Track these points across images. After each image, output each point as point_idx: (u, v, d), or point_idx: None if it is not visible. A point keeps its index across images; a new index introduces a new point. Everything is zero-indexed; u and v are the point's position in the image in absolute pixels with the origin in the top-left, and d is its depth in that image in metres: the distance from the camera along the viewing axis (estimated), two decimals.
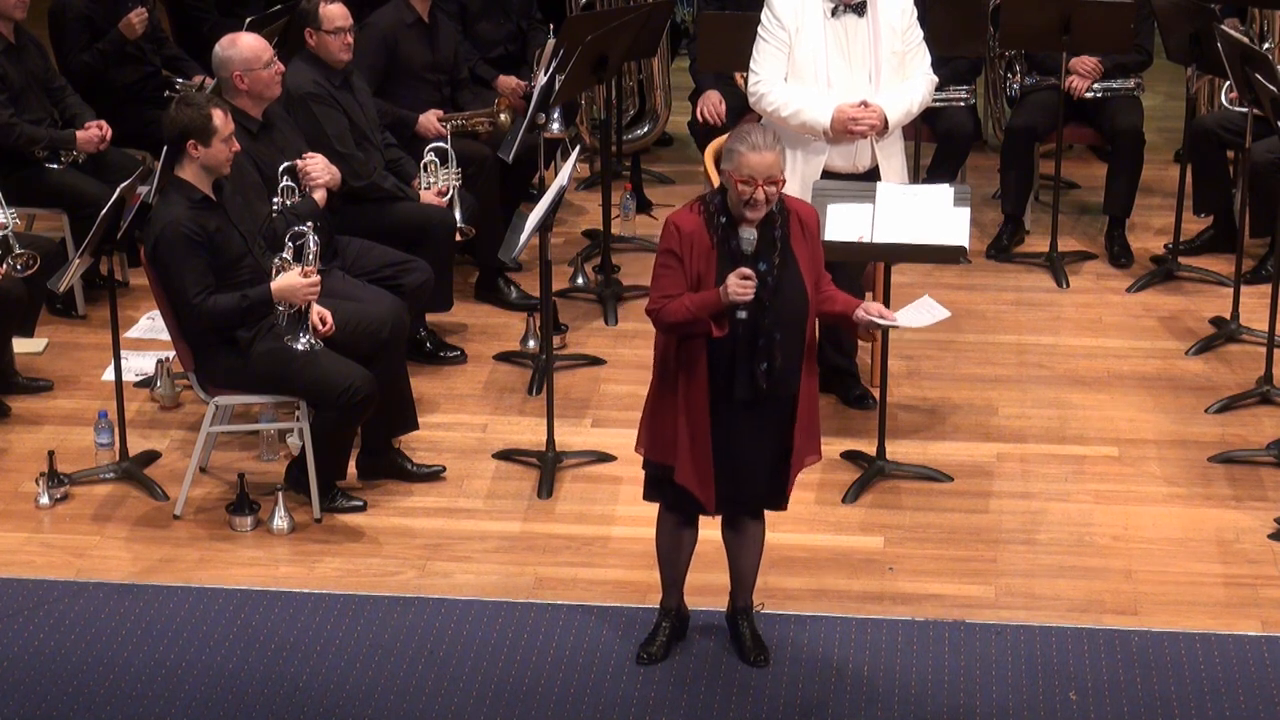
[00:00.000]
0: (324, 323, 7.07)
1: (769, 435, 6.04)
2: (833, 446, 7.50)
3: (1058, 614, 6.60)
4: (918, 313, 6.49)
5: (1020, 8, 9.00)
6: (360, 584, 6.85)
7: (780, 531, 6.47)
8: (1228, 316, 8.52)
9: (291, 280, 6.99)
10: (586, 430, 7.87)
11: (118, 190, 7.22)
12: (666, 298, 5.89)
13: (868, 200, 7.03)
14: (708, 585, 6.50)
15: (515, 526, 7.20)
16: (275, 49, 7.83)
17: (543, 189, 8.46)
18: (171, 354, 7.70)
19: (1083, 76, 9.24)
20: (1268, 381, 7.96)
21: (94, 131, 8.75)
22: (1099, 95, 9.32)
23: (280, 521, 7.16)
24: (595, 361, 8.42)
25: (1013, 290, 9.09)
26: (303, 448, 7.19)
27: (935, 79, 7.76)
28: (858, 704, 6.16)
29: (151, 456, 7.67)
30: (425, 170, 8.42)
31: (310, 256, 7.05)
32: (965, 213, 7.04)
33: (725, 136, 7.80)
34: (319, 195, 7.67)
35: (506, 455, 7.64)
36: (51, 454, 7.39)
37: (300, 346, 7.01)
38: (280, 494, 7.20)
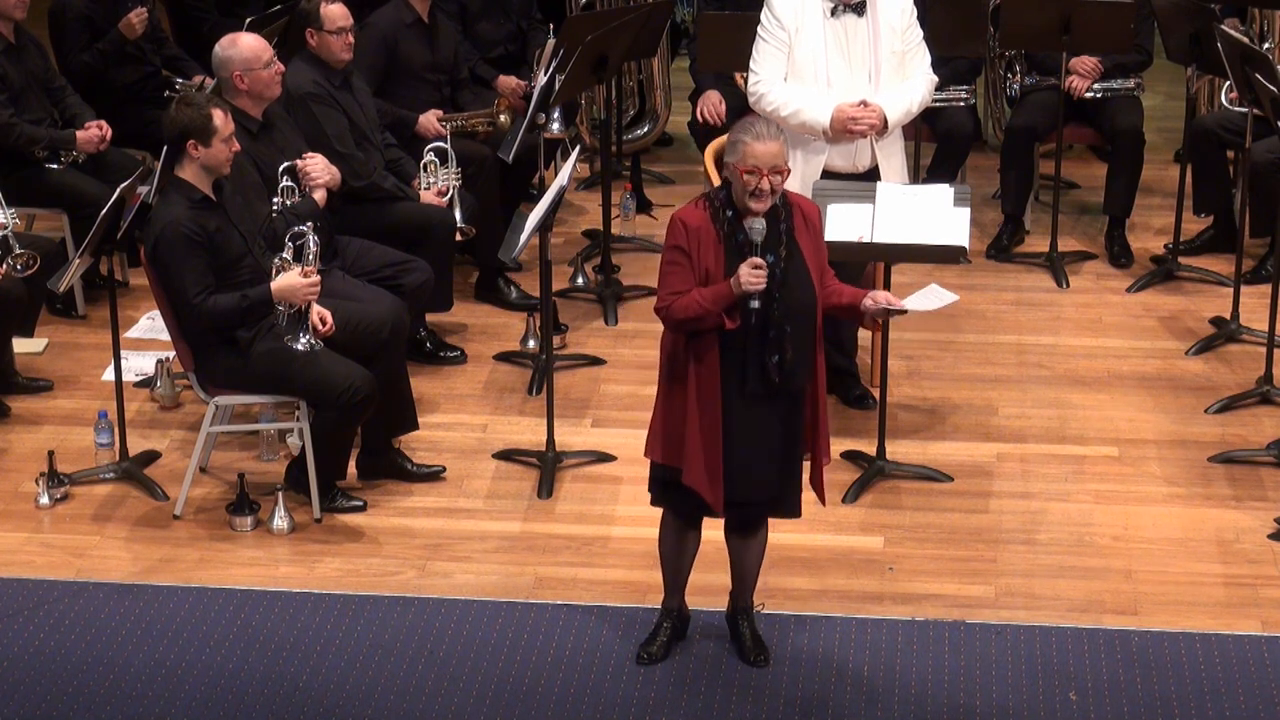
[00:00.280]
0: (324, 323, 7.07)
1: (779, 433, 6.04)
2: (833, 446, 7.49)
3: (1058, 614, 6.60)
4: (926, 298, 6.48)
5: (1020, 8, 9.00)
6: (360, 584, 6.85)
7: (780, 531, 6.47)
8: (1228, 316, 8.52)
9: (291, 280, 6.99)
10: (586, 430, 7.87)
11: (118, 190, 7.22)
12: (675, 294, 5.88)
13: (868, 200, 7.03)
14: (708, 585, 6.50)
15: (515, 526, 7.20)
16: (275, 49, 7.83)
17: (543, 189, 8.46)
18: (171, 354, 7.70)
19: (1083, 76, 9.24)
20: (1268, 381, 7.96)
21: (94, 131, 8.75)
22: (1099, 95, 9.32)
23: (280, 521, 7.17)
24: (595, 361, 8.42)
25: (1013, 290, 9.09)
26: (303, 448, 7.19)
27: (935, 79, 7.76)
28: (858, 704, 6.16)
29: (151, 456, 7.67)
30: (425, 170, 8.42)
31: (310, 256, 7.05)
32: (965, 213, 7.04)
33: (725, 136, 7.82)
34: (319, 195, 7.67)
35: (506, 455, 7.64)
36: (51, 454, 7.40)
37: (300, 346, 7.01)
38: (280, 494, 7.20)
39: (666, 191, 10.26)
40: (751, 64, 7.62)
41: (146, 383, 8.17)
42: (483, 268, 9.01)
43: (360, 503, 7.31)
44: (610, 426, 7.88)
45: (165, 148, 7.23)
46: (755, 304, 5.85)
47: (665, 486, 6.12)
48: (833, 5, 7.48)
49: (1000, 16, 9.15)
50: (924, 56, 7.68)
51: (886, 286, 7.30)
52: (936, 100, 8.75)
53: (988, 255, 9.39)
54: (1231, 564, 6.90)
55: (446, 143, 8.48)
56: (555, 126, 8.98)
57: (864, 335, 8.13)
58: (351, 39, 8.19)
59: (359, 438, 7.42)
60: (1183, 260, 9.21)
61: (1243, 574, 6.84)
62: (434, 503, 7.36)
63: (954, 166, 9.48)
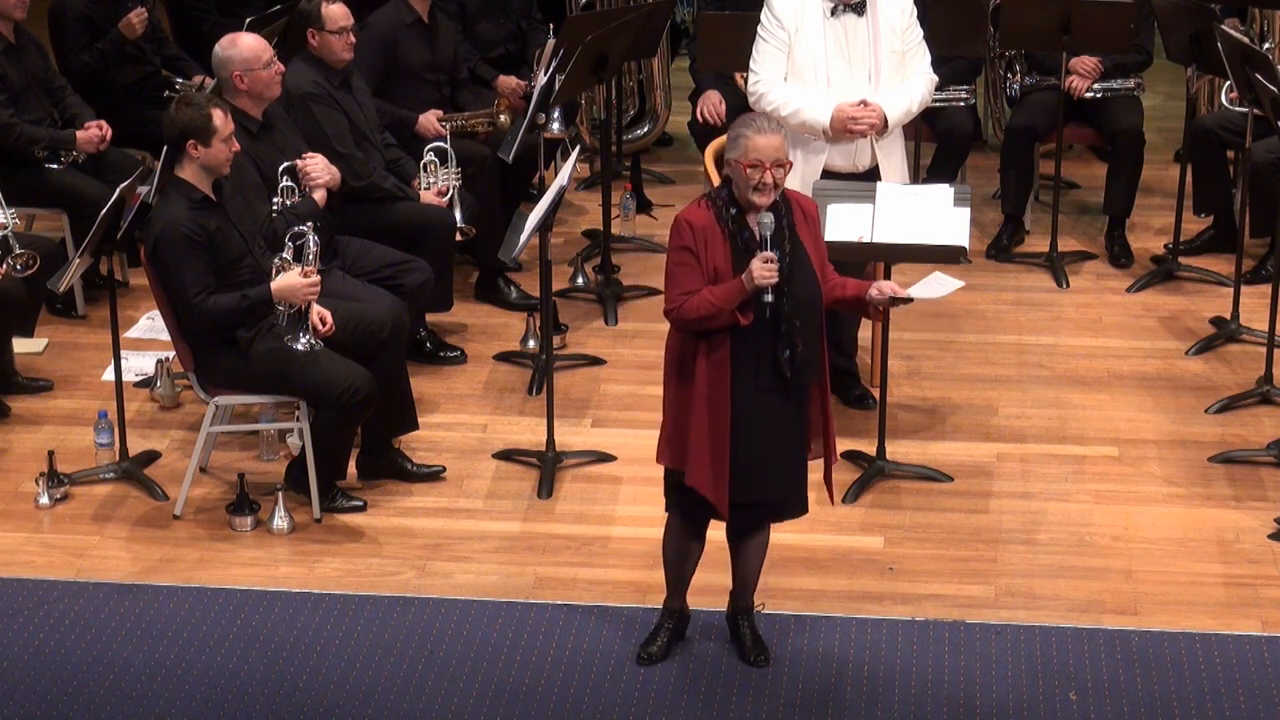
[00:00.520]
0: (324, 323, 7.07)
1: (787, 431, 6.05)
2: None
3: (1058, 614, 6.60)
4: (930, 286, 6.48)
5: (1020, 8, 9.00)
6: (360, 584, 6.85)
7: (780, 531, 6.47)
8: (1228, 316, 8.52)
9: (291, 280, 6.99)
10: (586, 430, 7.87)
11: (118, 190, 7.22)
12: (686, 294, 5.88)
13: (868, 200, 7.03)
14: (708, 585, 6.50)
15: (515, 526, 7.20)
16: (275, 49, 7.83)
17: (543, 189, 8.46)
18: (171, 354, 7.70)
19: (1083, 76, 9.24)
20: (1268, 381, 7.96)
21: (94, 131, 8.75)
22: (1099, 95, 9.32)
23: (280, 521, 7.17)
24: (595, 361, 8.42)
25: (1013, 290, 9.09)
26: (303, 448, 7.19)
27: (935, 78, 7.76)
28: (858, 704, 6.16)
29: (151, 456, 7.67)
30: (425, 170, 8.42)
31: (310, 256, 7.05)
32: (965, 213, 7.04)
33: (725, 136, 7.82)
34: (319, 195, 7.67)
35: (506, 455, 7.64)
36: (51, 454, 7.40)
37: (300, 346, 7.01)
38: (280, 494, 7.20)
39: (666, 191, 10.26)
40: (751, 64, 7.62)
41: (146, 383, 8.17)
42: (483, 268, 9.01)
43: (360, 503, 7.31)
44: (610, 426, 7.88)
45: (165, 148, 7.23)
46: (769, 298, 5.86)
47: (679, 491, 6.10)
48: (833, 5, 7.48)
49: (1000, 16, 9.15)
50: (924, 56, 7.68)
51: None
52: (936, 100, 8.75)
53: (988, 255, 9.39)
54: (1231, 564, 6.90)
55: (446, 143, 8.48)
56: (555, 126, 8.98)
57: (864, 335, 8.13)
58: (352, 39, 8.20)
59: (359, 438, 7.42)
60: (1183, 260, 9.21)
61: (1243, 574, 6.84)
62: (434, 503, 7.36)
63: (954, 166, 9.48)
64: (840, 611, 6.63)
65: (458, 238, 8.39)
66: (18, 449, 7.76)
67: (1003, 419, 7.91)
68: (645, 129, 10.35)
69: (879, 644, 6.44)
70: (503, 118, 8.93)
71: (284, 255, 7.06)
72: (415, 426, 7.58)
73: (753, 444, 5.98)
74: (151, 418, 8.01)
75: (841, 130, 7.47)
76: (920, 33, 7.67)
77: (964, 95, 9.44)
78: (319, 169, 7.70)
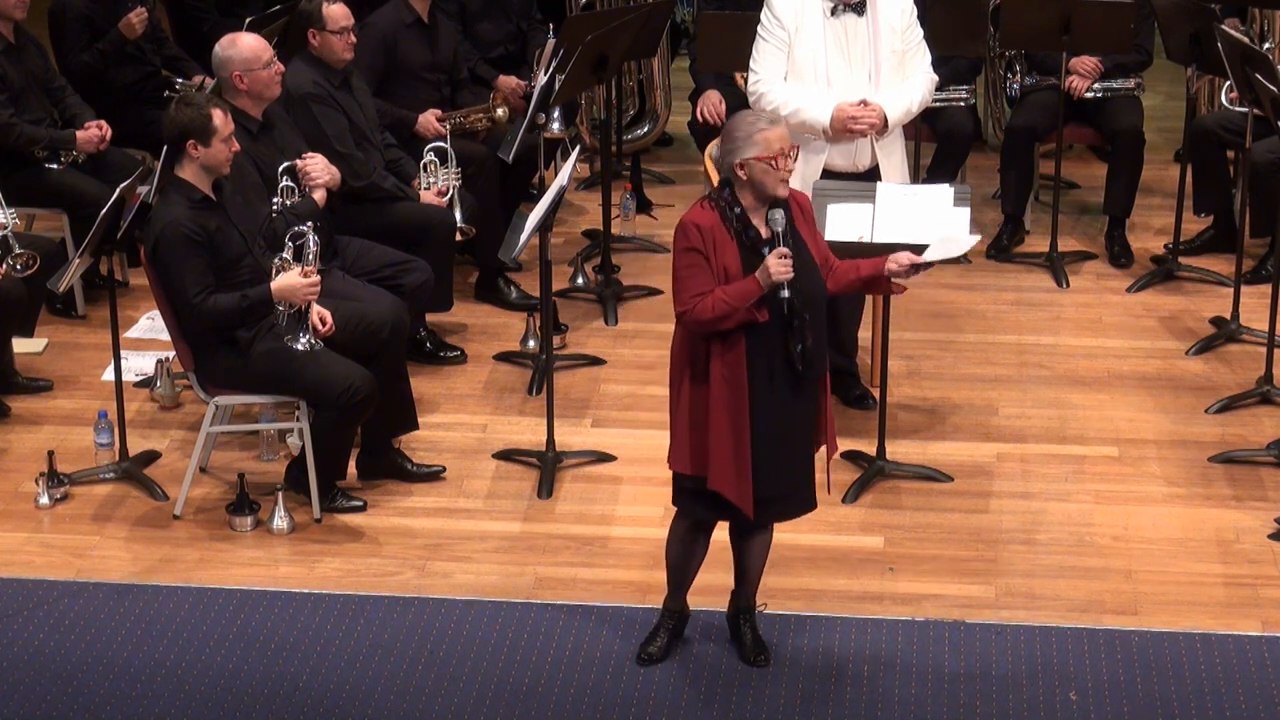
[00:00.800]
0: (324, 323, 7.07)
1: (800, 426, 6.06)
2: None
3: (1058, 614, 6.60)
4: (946, 246, 6.47)
5: (1020, 8, 9.00)
6: (360, 584, 6.85)
7: (781, 531, 6.47)
8: (1228, 316, 8.52)
9: (291, 280, 6.99)
10: (586, 430, 7.87)
11: (118, 190, 7.22)
12: (698, 296, 5.87)
13: (868, 200, 7.03)
14: (708, 585, 6.50)
15: (515, 526, 7.20)
16: (275, 49, 7.83)
17: (543, 189, 8.46)
18: (171, 354, 7.70)
19: (1083, 76, 9.25)
20: (1268, 381, 7.96)
21: (94, 131, 8.75)
22: (1099, 95, 9.33)
23: (280, 521, 7.17)
24: (595, 361, 8.42)
25: (1013, 290, 9.09)
26: (303, 448, 7.19)
27: (935, 78, 7.76)
28: (858, 704, 6.16)
29: (151, 456, 7.67)
30: (425, 170, 8.43)
31: (310, 256, 7.05)
32: (965, 213, 7.04)
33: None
34: (319, 195, 7.67)
35: (506, 455, 7.64)
36: (51, 454, 7.40)
37: (300, 346, 7.01)
38: (280, 494, 7.20)
39: (666, 191, 10.26)
40: (751, 63, 7.62)
41: (146, 383, 8.17)
42: (483, 268, 9.01)
43: (360, 503, 7.31)
44: (610, 426, 7.88)
45: (165, 148, 7.23)
46: (786, 293, 5.87)
47: (694, 496, 6.08)
48: (833, 5, 7.48)
49: (1000, 16, 9.15)
50: (924, 56, 7.68)
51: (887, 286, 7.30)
52: (936, 100, 8.75)
53: (988, 255, 9.39)
54: (1231, 564, 6.90)
55: (446, 143, 8.48)
56: (555, 126, 8.98)
57: (864, 335, 8.13)
58: (353, 39, 8.20)
59: (359, 438, 7.42)
60: (1183, 260, 9.21)
61: (1243, 574, 6.84)
62: (434, 503, 7.36)
63: (954, 166, 9.48)
64: (840, 611, 6.63)
65: (458, 238, 8.39)
66: (18, 449, 7.76)
67: (1003, 419, 7.91)
68: (645, 129, 10.35)
69: (879, 644, 6.44)
70: (500, 111, 8.93)
71: (284, 255, 7.06)
72: (415, 426, 7.58)
73: (770, 441, 5.99)
74: (151, 418, 8.01)
75: (841, 130, 7.47)
76: (920, 32, 7.67)
77: (964, 95, 9.44)
78: (319, 169, 7.70)
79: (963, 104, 9.43)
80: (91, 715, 6.13)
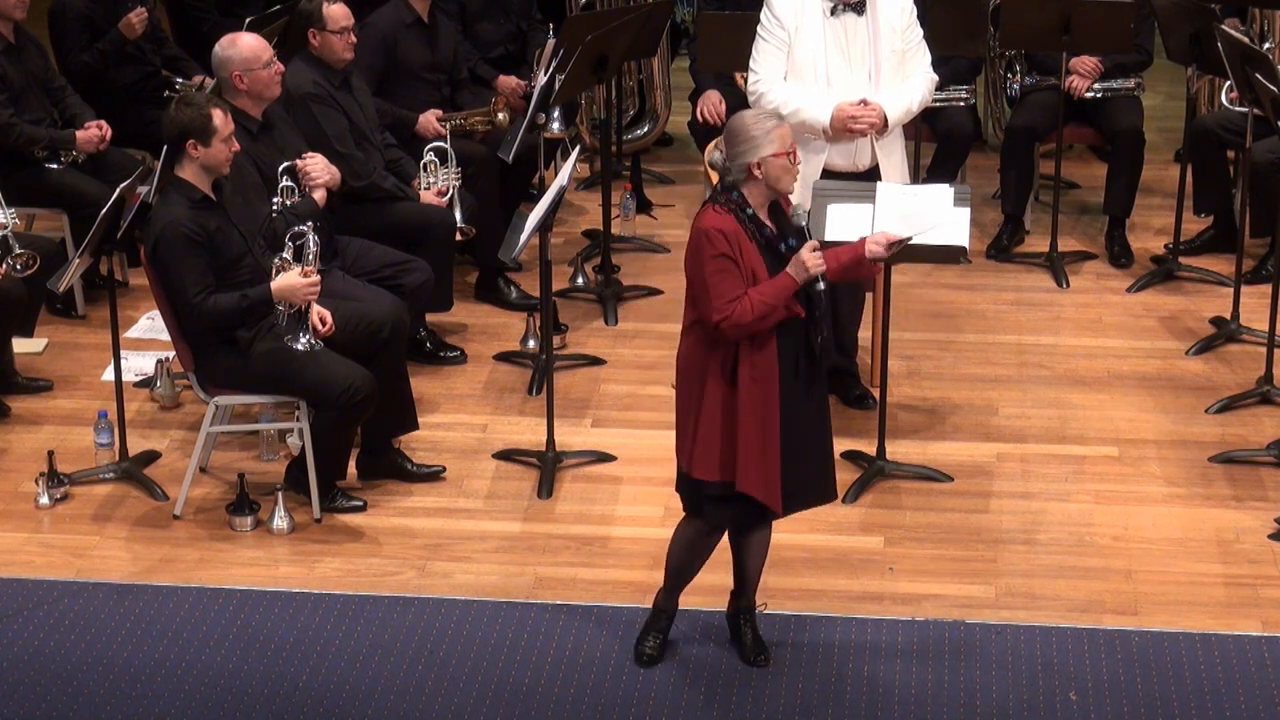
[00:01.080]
0: (324, 323, 7.07)
1: (820, 416, 6.11)
2: (833, 446, 7.50)
3: (1058, 614, 6.60)
4: (932, 231, 6.51)
5: (1020, 8, 9.00)
6: (360, 584, 6.85)
7: (780, 531, 6.47)
8: (1228, 316, 8.52)
9: (291, 280, 6.99)
10: (586, 430, 7.87)
11: (118, 190, 7.22)
12: (734, 301, 5.87)
13: (868, 200, 7.03)
14: (708, 585, 6.50)
15: (515, 526, 7.20)
16: (275, 49, 7.83)
17: (543, 189, 8.46)
18: (171, 354, 7.70)
19: (1083, 76, 9.24)
20: (1268, 381, 7.96)
21: (94, 131, 8.75)
22: (1099, 95, 9.32)
23: (280, 521, 7.17)
24: (595, 361, 8.42)
25: (1013, 290, 9.09)
26: (303, 448, 7.19)
27: (935, 78, 7.76)
28: (858, 704, 6.16)
29: (151, 456, 7.67)
30: (425, 170, 8.42)
31: (310, 256, 7.05)
32: (965, 213, 7.04)
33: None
34: (319, 195, 7.67)
35: (506, 455, 7.64)
36: (51, 454, 7.40)
37: (300, 346, 7.01)
38: (280, 494, 7.20)
39: (666, 191, 10.26)
40: (751, 63, 7.62)
41: (146, 383, 8.17)
42: (483, 268, 9.01)
43: (360, 503, 7.31)
44: (610, 426, 7.88)
45: (165, 148, 7.23)
46: (822, 285, 5.92)
47: (724, 502, 6.05)
48: (832, 4, 7.48)
49: (1000, 16, 9.15)
50: (924, 55, 7.68)
51: (886, 287, 7.31)
52: (936, 100, 8.75)
53: (988, 255, 9.39)
54: (1231, 564, 6.89)
55: (446, 143, 8.48)
56: (555, 126, 8.98)
57: (864, 335, 8.13)
58: (353, 38, 8.20)
59: (359, 438, 7.41)
60: (1183, 260, 9.21)
61: (1243, 574, 6.83)
62: (434, 503, 7.36)
63: (954, 166, 9.48)
64: (840, 611, 6.63)
65: (458, 238, 8.39)
66: (18, 449, 7.76)
67: (1003, 419, 7.91)
68: (645, 129, 10.35)
69: (879, 644, 6.44)
70: (500, 115, 8.93)
71: (284, 255, 7.06)
72: (415, 426, 7.58)
73: (794, 435, 6.02)
74: (151, 418, 8.01)
75: (841, 129, 7.47)
76: (920, 32, 7.67)
77: (964, 95, 9.44)
78: (319, 169, 7.70)
79: (963, 104, 9.43)
80: (91, 715, 6.13)
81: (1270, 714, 6.09)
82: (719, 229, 5.90)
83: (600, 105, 9.57)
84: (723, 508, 6.08)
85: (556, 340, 8.28)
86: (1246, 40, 8.51)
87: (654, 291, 9.01)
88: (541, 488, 7.40)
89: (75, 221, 8.63)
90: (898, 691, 6.21)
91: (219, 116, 7.00)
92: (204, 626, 6.57)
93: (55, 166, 8.72)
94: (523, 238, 7.25)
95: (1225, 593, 6.73)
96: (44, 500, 7.33)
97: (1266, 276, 8.75)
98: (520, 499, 7.37)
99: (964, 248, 6.99)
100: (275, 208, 7.53)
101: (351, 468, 7.42)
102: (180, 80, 9.55)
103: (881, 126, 7.50)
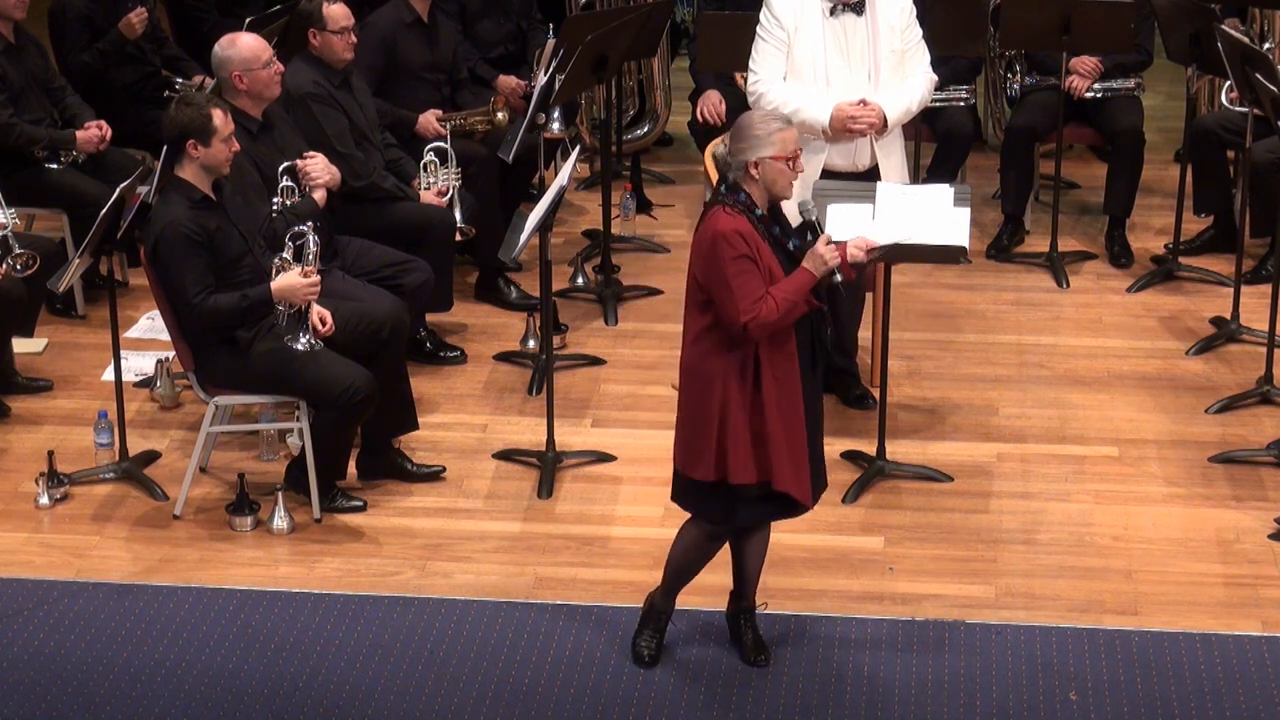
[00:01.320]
0: (324, 323, 7.07)
1: (819, 407, 6.14)
2: (833, 446, 7.49)
3: (1058, 614, 6.60)
4: (931, 226, 6.55)
5: (1020, 8, 9.00)
6: (360, 584, 6.85)
7: (780, 531, 6.47)
8: (1228, 316, 8.52)
9: (291, 280, 6.99)
10: (586, 430, 7.87)
11: (118, 190, 7.22)
12: (758, 301, 5.88)
13: (868, 200, 7.03)
14: (709, 585, 6.50)
15: (515, 526, 7.20)
16: (275, 49, 7.83)
17: (543, 189, 8.46)
18: (171, 354, 7.70)
19: (1083, 76, 9.24)
20: (1268, 381, 7.96)
21: (94, 131, 8.75)
22: (1099, 95, 9.32)
23: (280, 521, 7.17)
24: (595, 361, 8.42)
25: (1013, 290, 9.09)
26: (303, 448, 7.19)
27: (935, 78, 7.76)
28: (858, 704, 6.16)
29: (151, 456, 7.67)
30: (425, 170, 8.42)
31: (310, 256, 7.05)
32: (965, 213, 7.03)
33: (726, 136, 7.81)
34: (319, 195, 7.67)
35: (506, 455, 7.64)
36: (51, 454, 7.39)
37: (300, 346, 7.01)
38: (280, 494, 7.20)
39: (666, 191, 10.26)
40: (750, 63, 7.62)
41: (146, 383, 8.17)
42: (483, 268, 9.01)
43: (360, 503, 7.31)
44: (610, 426, 7.88)
45: (165, 148, 7.23)
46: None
47: (759, 502, 6.06)
48: (832, 4, 7.48)
49: (1000, 16, 9.15)
50: (923, 55, 7.68)
51: (886, 287, 7.31)
52: (936, 100, 8.75)
53: (988, 255, 9.39)
54: (1231, 564, 6.89)
55: (446, 143, 8.48)
56: (555, 126, 8.98)
57: (864, 335, 8.13)
58: (353, 38, 8.20)
59: (359, 438, 7.41)
60: (1183, 260, 9.21)
61: (1243, 574, 6.84)
62: (434, 503, 7.36)
63: (954, 166, 9.48)
64: (840, 611, 6.63)
65: (458, 238, 8.39)
66: (18, 449, 7.76)
67: (1003, 419, 7.91)
68: (645, 129, 10.35)
69: (879, 644, 6.44)
70: (500, 115, 8.93)
71: (284, 255, 7.06)
72: (415, 426, 7.58)
73: (810, 428, 6.07)
74: (151, 418, 8.01)
75: (841, 129, 7.47)
76: (920, 32, 7.67)
77: (964, 95, 9.44)
78: (319, 169, 7.71)
79: (963, 104, 9.43)
80: (91, 715, 6.13)
81: (1270, 714, 6.09)
82: (736, 230, 5.90)
83: (600, 105, 9.57)
84: (759, 507, 6.09)
85: (556, 340, 8.28)
86: (1246, 40, 8.51)
87: (654, 291, 9.01)
88: (541, 488, 7.40)
89: (75, 221, 8.63)
90: (897, 691, 6.21)
91: (219, 116, 7.00)
92: (204, 626, 6.57)
93: (55, 166, 8.72)
94: (523, 238, 7.25)
95: (1225, 593, 6.73)
96: (44, 500, 7.33)
97: (1266, 276, 8.75)
98: (520, 499, 7.37)
99: (964, 248, 6.98)
100: (275, 208, 7.52)
101: (351, 468, 7.42)
102: (180, 80, 9.55)
103: (881, 126, 7.50)
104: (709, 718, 6.11)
